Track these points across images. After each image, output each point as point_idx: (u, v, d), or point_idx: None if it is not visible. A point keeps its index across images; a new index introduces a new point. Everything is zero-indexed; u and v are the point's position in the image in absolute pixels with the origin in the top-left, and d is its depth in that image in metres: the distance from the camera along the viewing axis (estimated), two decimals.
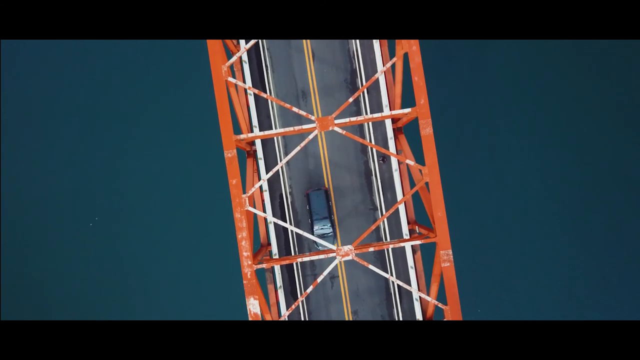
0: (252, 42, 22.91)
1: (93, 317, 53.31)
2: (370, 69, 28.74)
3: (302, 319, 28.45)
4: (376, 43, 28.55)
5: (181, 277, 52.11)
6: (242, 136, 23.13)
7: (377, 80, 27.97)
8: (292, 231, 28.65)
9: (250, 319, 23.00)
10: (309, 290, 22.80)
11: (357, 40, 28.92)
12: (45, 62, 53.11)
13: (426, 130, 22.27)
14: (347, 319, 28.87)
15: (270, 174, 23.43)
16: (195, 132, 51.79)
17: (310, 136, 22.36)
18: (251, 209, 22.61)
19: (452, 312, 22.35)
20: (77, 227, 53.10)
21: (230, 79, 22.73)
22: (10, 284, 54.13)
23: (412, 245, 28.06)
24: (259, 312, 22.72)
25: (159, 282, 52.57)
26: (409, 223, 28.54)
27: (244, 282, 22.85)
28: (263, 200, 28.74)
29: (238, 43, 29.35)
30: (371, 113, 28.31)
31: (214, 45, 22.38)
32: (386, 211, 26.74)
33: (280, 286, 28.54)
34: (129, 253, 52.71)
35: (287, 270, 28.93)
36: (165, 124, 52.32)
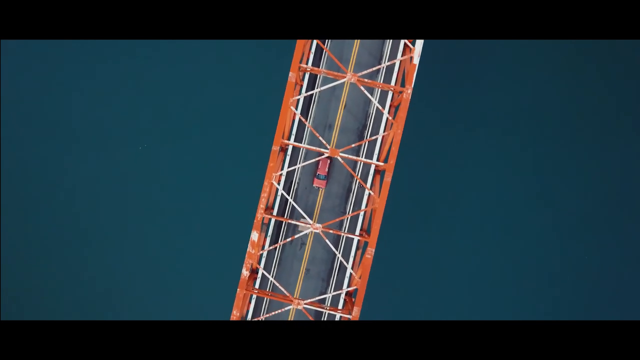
0: (312, 92, 38.73)
1: (93, 317, 56.43)
2: (376, 128, 44.48)
3: (274, 260, 44.26)
4: (384, 116, 44.31)
5: (183, 278, 56.19)
6: (285, 140, 38.92)
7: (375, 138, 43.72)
8: (289, 206, 44.36)
9: (249, 243, 38.66)
10: (287, 240, 38.65)
11: (375, 107, 44.65)
12: (72, 61, 56.72)
13: (387, 179, 38.02)
14: (301, 273, 44.63)
15: (291, 168, 39.36)
16: (192, 136, 56.06)
17: (323, 156, 38.29)
18: (274, 183, 38.39)
19: (361, 283, 38.14)
20: (77, 228, 56.14)
21: (292, 108, 38.46)
22: (10, 284, 55.73)
23: (357, 242, 43.84)
24: (255, 240, 38.43)
25: (158, 283, 56.24)
26: (361, 229, 44.38)
27: (255, 221, 38.59)
28: (279, 181, 44.48)
29: (302, 79, 45.07)
30: (365, 157, 44.16)
31: (291, 87, 38.04)
32: (351, 217, 42.25)
33: (270, 235, 44.37)
34: (128, 254, 56.44)
35: (277, 229, 44.69)
36: (164, 125, 56.43)
